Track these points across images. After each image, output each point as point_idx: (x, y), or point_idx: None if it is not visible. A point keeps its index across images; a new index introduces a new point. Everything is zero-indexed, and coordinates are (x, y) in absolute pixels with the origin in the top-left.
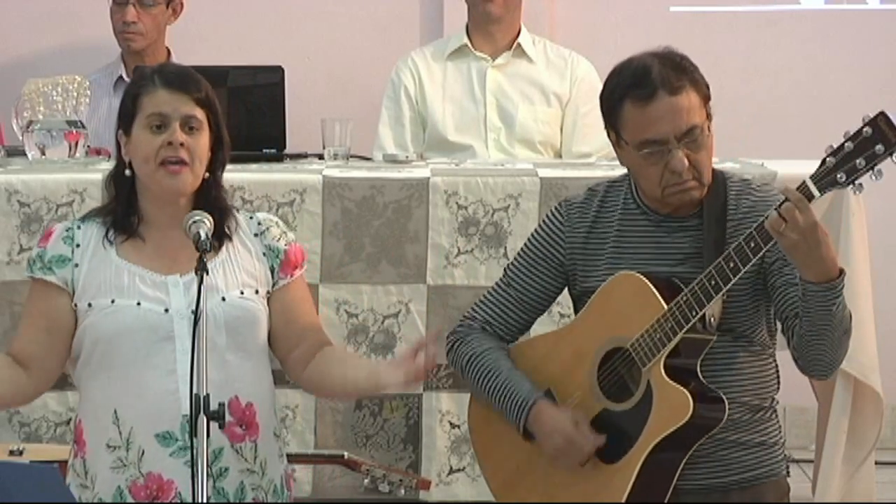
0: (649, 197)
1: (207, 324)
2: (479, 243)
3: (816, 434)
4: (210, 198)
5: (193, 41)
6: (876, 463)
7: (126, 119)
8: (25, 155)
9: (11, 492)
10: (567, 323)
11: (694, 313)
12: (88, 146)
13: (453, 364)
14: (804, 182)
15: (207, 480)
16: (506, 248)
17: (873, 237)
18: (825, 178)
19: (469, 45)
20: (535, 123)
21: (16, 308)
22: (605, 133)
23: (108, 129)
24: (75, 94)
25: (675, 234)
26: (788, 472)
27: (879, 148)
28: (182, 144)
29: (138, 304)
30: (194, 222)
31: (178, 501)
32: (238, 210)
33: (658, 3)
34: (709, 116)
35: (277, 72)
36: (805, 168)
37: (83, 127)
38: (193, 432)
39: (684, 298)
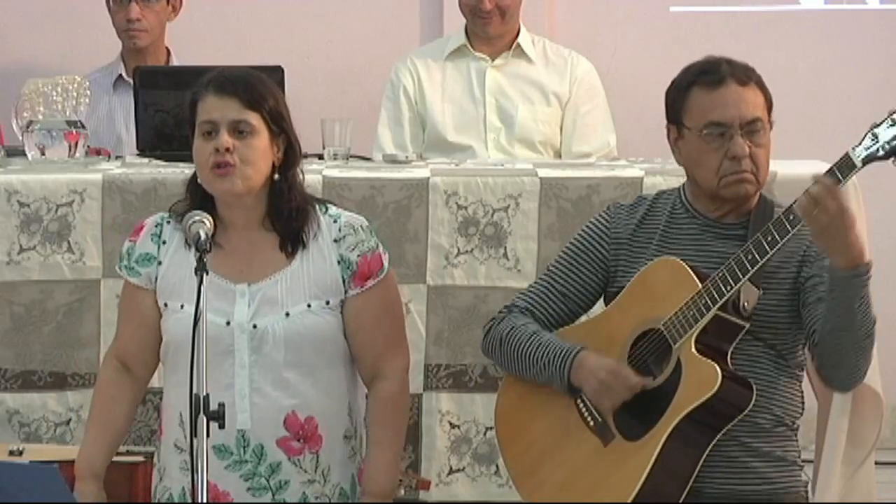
0: (704, 188)
1: (266, 340)
2: (479, 243)
3: (816, 434)
4: (283, 199)
5: (193, 41)
6: (876, 463)
7: (191, 127)
8: (25, 155)
9: (11, 492)
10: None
11: (728, 288)
12: (88, 146)
13: (490, 344)
14: (847, 154)
15: (266, 493)
16: (506, 248)
17: (873, 237)
18: (867, 151)
19: (468, 45)
20: (535, 123)
21: (15, 308)
22: (604, 133)
23: (108, 129)
24: (75, 94)
25: (719, 240)
26: (808, 495)
27: None
28: (228, 149)
29: None
30: (194, 223)
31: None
32: (326, 210)
33: (658, 3)
34: (770, 123)
35: (277, 72)
36: (805, 168)
37: (83, 127)
38: (193, 432)
39: (720, 274)
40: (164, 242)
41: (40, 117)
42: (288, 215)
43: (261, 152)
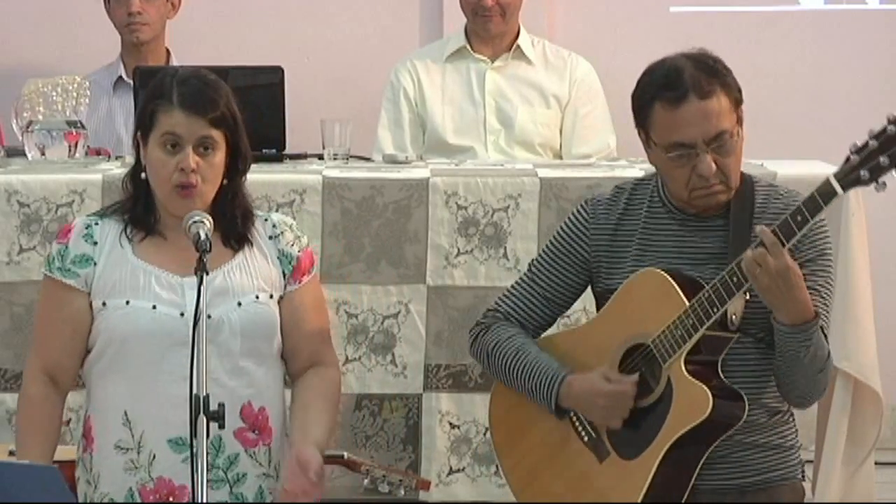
0: (676, 198)
1: (222, 329)
2: (479, 243)
3: (816, 434)
4: (226, 202)
5: (193, 41)
6: (876, 463)
7: (143, 129)
8: (25, 155)
9: (11, 492)
10: (570, 325)
11: (715, 310)
12: (88, 146)
13: (477, 354)
14: (828, 179)
15: (224, 486)
16: (505, 248)
17: (873, 237)
18: (849, 176)
19: (468, 46)
20: (535, 125)
21: (15, 308)
22: (604, 134)
23: (108, 130)
24: (75, 94)
25: (700, 234)
26: (804, 477)
27: None
28: (194, 170)
29: (154, 307)
30: (194, 222)
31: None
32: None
33: (658, 3)
34: (739, 121)
35: (277, 72)
36: (805, 168)
37: (83, 127)
38: (193, 433)
39: (706, 295)
40: (97, 243)
41: (40, 117)
42: (232, 217)
43: (218, 167)
